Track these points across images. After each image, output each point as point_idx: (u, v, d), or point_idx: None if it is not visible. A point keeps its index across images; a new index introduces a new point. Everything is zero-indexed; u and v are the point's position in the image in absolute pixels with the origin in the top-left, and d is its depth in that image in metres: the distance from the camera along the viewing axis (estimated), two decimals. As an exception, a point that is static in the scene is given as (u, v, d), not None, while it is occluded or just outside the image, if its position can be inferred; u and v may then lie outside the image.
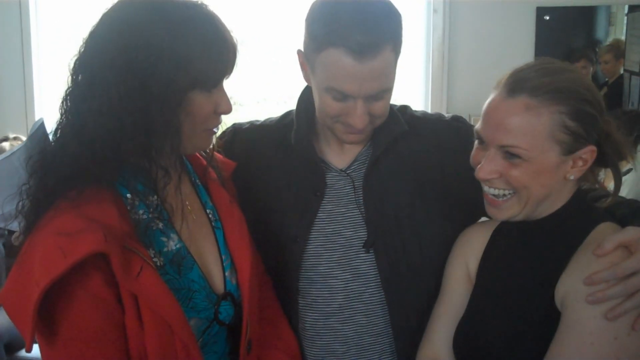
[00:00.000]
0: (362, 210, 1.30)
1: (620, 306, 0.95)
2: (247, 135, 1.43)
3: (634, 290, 0.96)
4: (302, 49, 1.25)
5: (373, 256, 1.30)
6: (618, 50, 3.19)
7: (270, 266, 1.35)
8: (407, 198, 1.31)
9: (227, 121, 1.25)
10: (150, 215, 1.05)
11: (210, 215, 1.19)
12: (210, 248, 1.16)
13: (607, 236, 1.00)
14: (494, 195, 1.10)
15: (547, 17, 3.16)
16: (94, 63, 1.00)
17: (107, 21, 1.02)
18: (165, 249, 1.06)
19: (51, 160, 1.01)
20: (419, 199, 1.31)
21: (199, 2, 1.05)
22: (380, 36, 1.15)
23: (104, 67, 0.98)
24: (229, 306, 1.14)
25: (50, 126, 1.07)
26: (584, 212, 1.10)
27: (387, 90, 1.21)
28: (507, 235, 1.20)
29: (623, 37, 3.22)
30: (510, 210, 1.10)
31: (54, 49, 3.25)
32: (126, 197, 1.04)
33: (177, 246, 1.08)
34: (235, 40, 1.07)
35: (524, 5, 3.18)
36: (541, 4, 3.17)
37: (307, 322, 1.33)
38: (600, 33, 3.24)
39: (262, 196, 1.36)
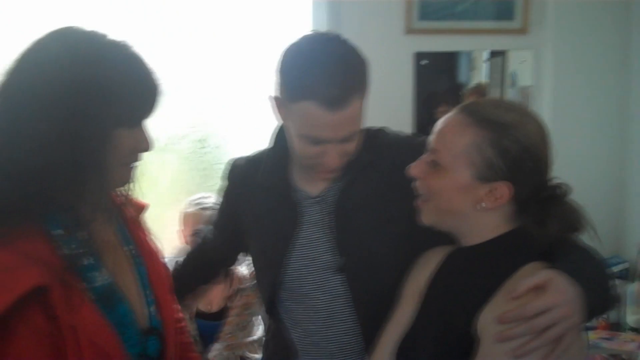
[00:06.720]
0: (335, 235, 1.39)
1: (527, 345, 0.98)
2: (238, 165, 1.59)
3: (539, 329, 0.98)
4: (276, 95, 1.32)
5: (346, 279, 1.39)
6: (481, 92, 3.54)
7: (262, 285, 1.52)
8: (376, 223, 1.39)
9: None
10: (81, 250, 1.04)
11: (132, 251, 1.20)
12: (132, 284, 1.18)
13: (524, 278, 1.03)
14: (420, 197, 1.22)
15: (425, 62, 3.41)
16: (18, 94, 0.99)
17: (36, 51, 1.02)
18: (96, 284, 1.06)
19: None
20: (387, 224, 1.39)
21: (124, 42, 1.07)
22: (349, 89, 1.23)
23: (30, 100, 0.97)
24: (155, 340, 1.15)
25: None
26: (517, 248, 1.14)
27: (358, 132, 1.32)
28: (452, 260, 1.26)
29: (484, 80, 3.58)
30: (424, 214, 1.22)
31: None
32: (56, 233, 1.02)
33: (108, 281, 1.08)
34: (159, 82, 1.10)
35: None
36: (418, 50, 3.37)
37: (296, 337, 1.47)
38: (463, 77, 3.57)
39: (249, 222, 1.51)
